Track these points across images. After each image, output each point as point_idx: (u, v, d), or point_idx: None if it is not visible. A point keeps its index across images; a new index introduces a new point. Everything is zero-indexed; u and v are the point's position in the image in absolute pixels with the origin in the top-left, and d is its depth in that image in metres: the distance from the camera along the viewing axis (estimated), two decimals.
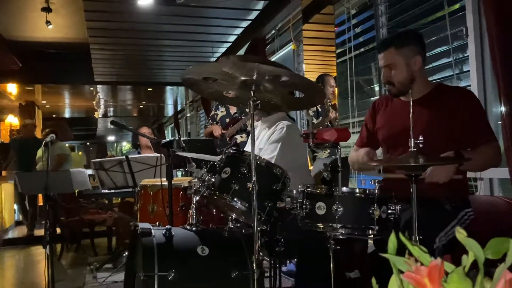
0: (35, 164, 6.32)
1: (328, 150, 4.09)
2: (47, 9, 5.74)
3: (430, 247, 1.80)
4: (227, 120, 4.66)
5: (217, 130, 4.56)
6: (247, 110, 3.84)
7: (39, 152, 6.23)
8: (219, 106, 4.78)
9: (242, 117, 4.43)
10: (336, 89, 4.48)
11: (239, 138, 4.43)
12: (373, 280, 0.68)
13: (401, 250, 0.66)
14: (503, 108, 2.29)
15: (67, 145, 7.16)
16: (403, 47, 2.06)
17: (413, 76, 2.06)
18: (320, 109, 4.25)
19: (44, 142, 3.16)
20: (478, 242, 0.60)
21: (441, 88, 2.12)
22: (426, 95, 2.09)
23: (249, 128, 3.25)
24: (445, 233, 1.87)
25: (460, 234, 0.61)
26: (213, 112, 4.84)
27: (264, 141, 2.79)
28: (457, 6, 3.22)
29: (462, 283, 0.52)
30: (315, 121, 4.23)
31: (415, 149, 1.61)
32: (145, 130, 4.98)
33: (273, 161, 2.51)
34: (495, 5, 2.28)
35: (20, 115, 10.15)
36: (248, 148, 3.10)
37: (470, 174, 2.55)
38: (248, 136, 4.27)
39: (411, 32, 2.51)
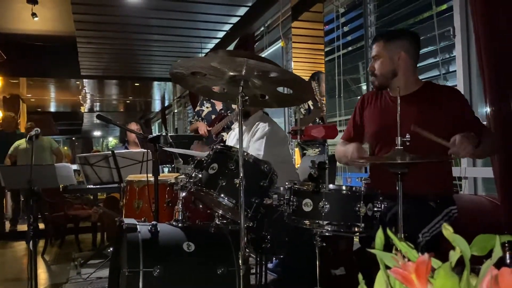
0: (12, 158, 6.21)
1: (319, 148, 4.10)
2: (33, 1, 5.63)
3: (414, 243, 1.81)
4: (213, 116, 4.64)
5: (202, 128, 4.54)
6: (233, 106, 3.84)
7: (21, 144, 6.14)
8: (204, 102, 4.76)
9: (228, 113, 4.41)
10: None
11: (225, 136, 4.42)
12: (360, 276, 0.68)
13: (387, 247, 0.66)
14: (488, 109, 2.32)
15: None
16: (391, 42, 2.12)
17: (395, 71, 2.11)
18: (312, 107, 4.25)
19: (28, 136, 3.11)
20: None
21: (429, 86, 2.16)
22: (414, 92, 2.12)
23: (233, 125, 3.24)
24: (428, 229, 1.89)
25: (447, 230, 0.61)
26: (198, 108, 4.81)
27: (246, 142, 2.79)
28: (444, 6, 3.25)
29: (449, 279, 0.52)
30: (306, 116, 4.24)
31: (401, 147, 1.62)
32: (134, 126, 4.93)
33: (260, 157, 2.51)
34: (482, 6, 2.31)
35: (4, 108, 9.97)
36: (231, 142, 3.09)
37: (455, 173, 2.58)
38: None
39: (406, 30, 2.55)
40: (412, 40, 2.15)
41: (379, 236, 0.62)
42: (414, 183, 1.84)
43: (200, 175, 1.98)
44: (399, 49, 2.10)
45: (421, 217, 1.92)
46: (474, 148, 1.79)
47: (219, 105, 4.66)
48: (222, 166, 1.96)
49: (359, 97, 4.36)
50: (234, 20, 5.75)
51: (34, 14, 5.80)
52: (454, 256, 0.56)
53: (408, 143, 1.65)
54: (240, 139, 1.77)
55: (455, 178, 2.70)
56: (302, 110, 4.26)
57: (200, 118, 4.70)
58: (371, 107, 2.26)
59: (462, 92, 2.80)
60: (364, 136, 2.28)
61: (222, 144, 2.36)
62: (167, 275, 1.77)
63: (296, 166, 4.05)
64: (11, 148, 6.23)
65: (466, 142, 1.76)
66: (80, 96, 11.65)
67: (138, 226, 1.90)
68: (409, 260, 0.57)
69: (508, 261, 1.03)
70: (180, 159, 3.08)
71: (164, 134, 3.09)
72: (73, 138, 21.63)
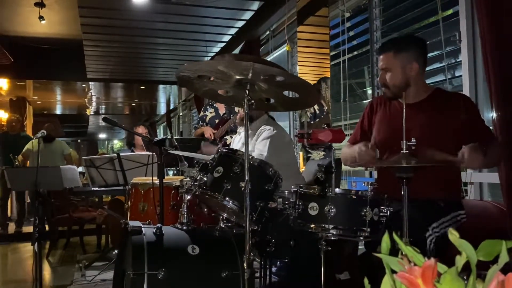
0: (25, 158, 6.24)
1: (323, 152, 4.10)
2: (40, 4, 5.69)
3: (422, 243, 1.81)
4: (216, 121, 4.66)
5: (208, 132, 4.56)
6: (236, 110, 3.85)
7: (33, 146, 6.17)
8: (208, 107, 4.78)
9: (231, 117, 4.42)
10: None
11: (228, 139, 4.43)
12: (365, 280, 0.68)
13: (393, 251, 0.66)
14: (494, 114, 2.32)
15: None
16: (401, 52, 2.08)
17: (408, 81, 2.08)
18: (318, 111, 4.26)
19: (35, 137, 3.13)
20: None
21: (439, 93, 2.15)
22: (424, 99, 2.11)
23: (238, 128, 3.24)
24: (438, 224, 1.88)
25: (453, 235, 0.61)
26: (202, 113, 4.84)
27: (251, 146, 2.80)
28: (450, 11, 3.25)
29: (455, 283, 0.52)
30: (312, 122, 4.24)
31: (407, 151, 1.62)
32: (141, 129, 4.94)
33: (263, 158, 2.52)
34: (489, 11, 2.31)
35: (10, 111, 10.04)
36: (235, 145, 3.10)
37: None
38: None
39: (412, 37, 2.53)
40: (421, 48, 2.13)
41: (385, 240, 0.63)
42: (422, 187, 1.84)
43: (205, 178, 1.99)
44: (411, 60, 2.07)
45: (429, 215, 1.91)
46: (483, 156, 1.78)
47: (222, 109, 4.68)
48: (227, 169, 1.96)
49: (364, 102, 4.36)
50: (240, 24, 5.77)
51: (41, 17, 5.85)
52: (460, 261, 0.56)
53: (413, 148, 1.65)
54: (246, 142, 1.78)
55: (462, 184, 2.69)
56: (308, 113, 4.26)
57: (204, 123, 4.72)
58: (380, 113, 2.25)
59: None
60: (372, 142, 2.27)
61: (227, 147, 2.36)
62: (172, 278, 1.78)
63: (300, 170, 4.05)
64: (25, 148, 6.27)
65: (474, 153, 1.74)
66: (86, 99, 11.72)
67: (143, 228, 1.90)
68: (415, 264, 0.57)
69: None
70: (185, 162, 3.08)
71: (169, 137, 3.10)
72: (79, 141, 21.74)
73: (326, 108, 4.28)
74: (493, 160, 1.98)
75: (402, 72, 2.07)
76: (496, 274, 0.54)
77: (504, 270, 0.56)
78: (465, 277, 0.58)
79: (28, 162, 6.26)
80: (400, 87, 2.07)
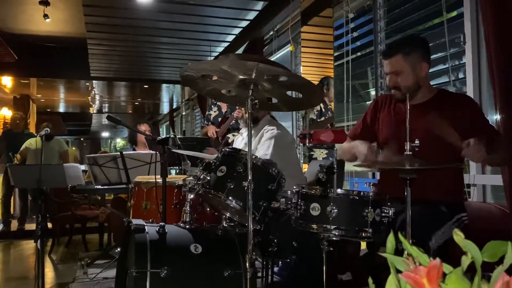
0: (22, 156, 6.24)
1: (326, 151, 4.10)
2: (45, 3, 5.71)
3: (425, 247, 1.81)
4: (220, 119, 4.70)
5: (211, 130, 4.59)
6: (236, 107, 3.86)
7: (32, 144, 6.18)
8: (212, 106, 4.82)
9: (233, 114, 4.45)
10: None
11: (230, 137, 4.44)
12: (370, 280, 0.68)
13: (396, 252, 0.66)
14: (498, 116, 2.31)
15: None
16: (410, 54, 2.08)
17: (419, 82, 2.09)
18: (323, 109, 4.27)
19: (38, 135, 3.14)
20: None
21: (443, 94, 2.15)
22: (429, 100, 2.12)
23: (239, 126, 3.25)
24: (441, 233, 1.88)
25: (458, 236, 0.61)
26: (207, 112, 4.88)
27: (253, 146, 2.80)
28: (455, 13, 3.24)
29: (460, 284, 0.52)
30: (318, 119, 4.26)
31: (410, 153, 1.62)
32: (144, 127, 4.95)
33: (268, 158, 2.52)
34: (493, 13, 2.30)
35: (14, 108, 10.07)
36: (238, 146, 3.10)
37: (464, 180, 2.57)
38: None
39: (417, 38, 2.52)
40: (426, 47, 2.14)
41: (390, 240, 0.63)
42: (425, 188, 1.84)
43: (208, 177, 1.99)
44: (420, 60, 2.08)
45: (432, 221, 1.91)
46: (486, 152, 1.78)
47: (225, 108, 4.71)
48: (231, 168, 1.96)
49: (367, 102, 4.35)
50: (244, 24, 5.78)
51: (46, 16, 5.87)
52: (465, 261, 0.56)
53: (417, 149, 1.65)
54: (249, 142, 1.78)
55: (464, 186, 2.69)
56: (314, 110, 4.28)
57: (209, 123, 4.76)
58: (385, 112, 2.25)
59: None
60: (371, 138, 2.26)
61: (230, 147, 2.37)
62: (174, 276, 1.78)
63: (303, 170, 4.05)
64: (23, 146, 6.27)
65: (480, 146, 1.75)
66: (89, 97, 11.74)
67: (146, 226, 1.91)
68: (420, 264, 0.57)
69: None
70: (188, 161, 3.09)
71: (172, 136, 3.10)
72: (82, 139, 21.79)
73: (330, 107, 4.30)
74: (499, 158, 1.98)
75: (413, 73, 2.07)
76: (501, 275, 0.54)
77: (509, 271, 0.56)
78: (468, 276, 0.58)
79: (26, 160, 6.25)
80: (412, 89, 2.08)
